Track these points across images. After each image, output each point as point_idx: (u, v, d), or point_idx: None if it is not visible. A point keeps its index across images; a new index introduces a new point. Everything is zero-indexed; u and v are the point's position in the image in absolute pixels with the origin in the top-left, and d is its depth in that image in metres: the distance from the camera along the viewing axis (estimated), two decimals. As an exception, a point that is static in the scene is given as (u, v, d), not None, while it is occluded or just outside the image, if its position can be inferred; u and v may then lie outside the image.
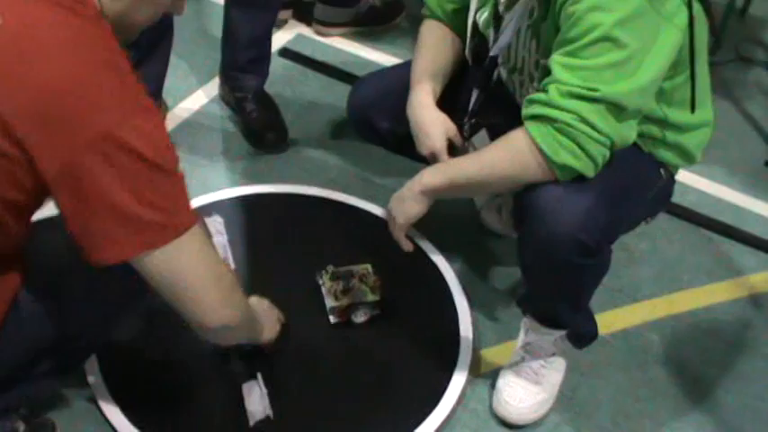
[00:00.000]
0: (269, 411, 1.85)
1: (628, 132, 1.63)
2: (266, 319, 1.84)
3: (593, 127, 1.57)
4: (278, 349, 1.90)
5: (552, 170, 1.61)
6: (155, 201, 1.33)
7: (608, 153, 1.61)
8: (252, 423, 1.83)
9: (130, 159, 1.29)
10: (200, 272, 1.42)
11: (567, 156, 1.59)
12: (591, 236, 1.60)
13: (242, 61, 2.59)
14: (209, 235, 1.68)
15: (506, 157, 1.69)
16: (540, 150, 1.60)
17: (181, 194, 1.39)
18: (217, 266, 1.47)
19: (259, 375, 1.89)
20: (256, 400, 1.86)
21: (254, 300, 1.84)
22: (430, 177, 1.80)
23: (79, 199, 1.30)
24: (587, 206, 1.60)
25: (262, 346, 1.86)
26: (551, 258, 1.64)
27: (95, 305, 1.58)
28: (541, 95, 1.61)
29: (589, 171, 1.61)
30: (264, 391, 1.87)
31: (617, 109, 1.58)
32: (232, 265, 2.14)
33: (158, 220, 1.34)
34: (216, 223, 2.25)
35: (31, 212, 1.44)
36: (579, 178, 1.62)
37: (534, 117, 1.62)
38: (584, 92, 1.56)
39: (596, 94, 1.55)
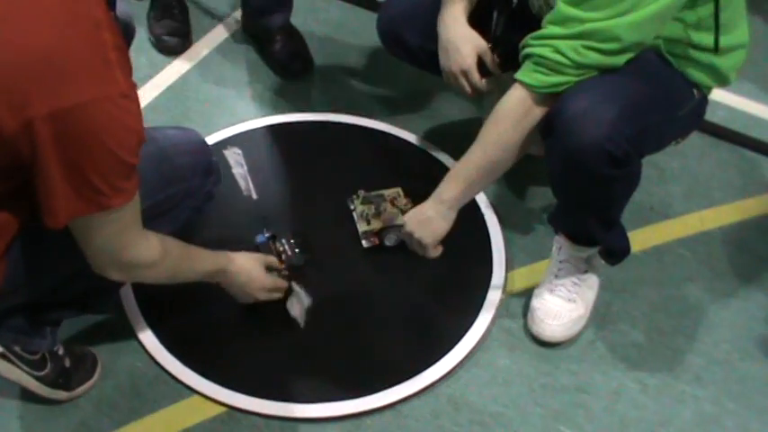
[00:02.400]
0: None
1: (613, 63, 1.64)
2: (237, 286, 1.82)
3: (568, 57, 1.61)
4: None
5: (544, 98, 1.66)
6: (96, 183, 1.33)
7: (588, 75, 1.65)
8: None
9: (87, 141, 1.28)
10: (105, 241, 1.44)
11: (542, 77, 1.65)
12: (618, 146, 1.59)
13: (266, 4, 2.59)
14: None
15: (505, 126, 1.72)
16: (526, 87, 1.67)
17: (126, 181, 1.38)
18: (126, 240, 1.48)
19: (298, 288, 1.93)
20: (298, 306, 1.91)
21: (239, 273, 1.81)
22: (448, 191, 1.80)
23: (35, 159, 1.29)
24: (613, 117, 1.59)
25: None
26: (579, 169, 1.64)
27: None
28: (535, 33, 1.66)
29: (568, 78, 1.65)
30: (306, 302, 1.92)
31: (607, 43, 1.59)
32: (254, 196, 2.15)
33: (104, 197, 1.35)
34: (234, 155, 2.26)
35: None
36: (600, 91, 1.62)
37: (525, 57, 1.68)
38: (572, 25, 1.59)
39: (583, 28, 1.58)
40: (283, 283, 1.91)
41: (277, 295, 1.90)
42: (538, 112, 1.70)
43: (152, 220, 1.55)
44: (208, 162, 1.76)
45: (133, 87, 1.34)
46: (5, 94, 1.24)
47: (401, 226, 2.02)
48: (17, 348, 1.68)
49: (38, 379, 1.73)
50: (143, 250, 1.51)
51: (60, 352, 1.77)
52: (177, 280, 1.67)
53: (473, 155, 1.77)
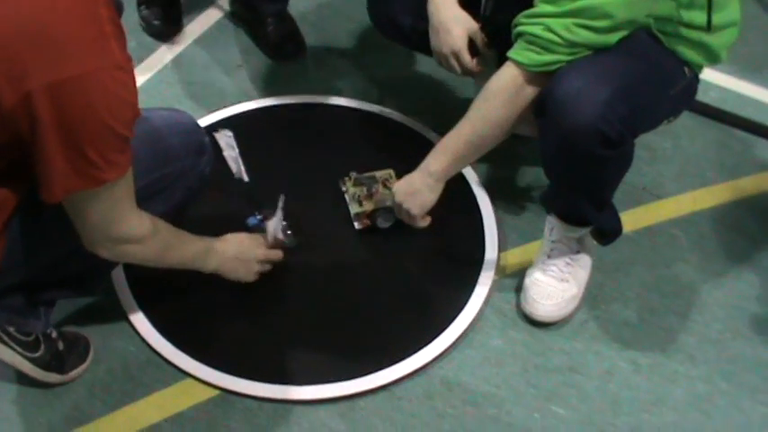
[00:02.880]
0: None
1: (605, 41, 1.64)
2: (226, 264, 1.83)
3: (559, 35, 1.62)
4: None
5: (535, 77, 1.68)
6: (91, 156, 1.33)
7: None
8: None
9: (84, 113, 1.29)
10: (99, 215, 1.45)
11: (534, 56, 1.66)
12: (612, 126, 1.59)
13: None
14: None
15: (495, 102, 1.74)
16: (518, 65, 1.68)
17: (120, 155, 1.38)
18: (119, 214, 1.49)
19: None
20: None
21: (229, 245, 1.83)
22: (436, 163, 1.86)
23: (33, 133, 1.29)
24: (607, 97, 1.59)
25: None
26: (573, 150, 1.64)
27: None
28: (527, 11, 1.67)
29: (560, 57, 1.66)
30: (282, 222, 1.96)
31: (599, 20, 1.59)
32: (245, 178, 2.15)
33: (99, 171, 1.35)
34: (226, 137, 2.25)
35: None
36: (593, 71, 1.62)
37: (517, 36, 1.69)
38: (564, 3, 1.59)
39: (574, 5, 1.58)
40: (277, 254, 1.92)
41: (269, 266, 1.92)
42: (529, 91, 1.70)
43: (146, 200, 1.56)
44: (200, 142, 1.76)
45: (129, 60, 1.34)
46: (4, 63, 1.24)
47: (393, 208, 2.03)
48: (11, 329, 1.69)
49: (31, 361, 1.73)
50: (135, 225, 1.52)
51: (53, 335, 1.77)
52: (165, 261, 1.68)
53: (462, 129, 1.81)
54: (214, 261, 1.79)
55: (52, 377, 1.76)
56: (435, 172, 1.86)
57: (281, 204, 1.96)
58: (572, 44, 1.62)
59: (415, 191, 1.90)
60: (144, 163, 1.51)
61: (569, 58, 1.65)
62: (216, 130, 2.24)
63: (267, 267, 1.92)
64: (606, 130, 1.59)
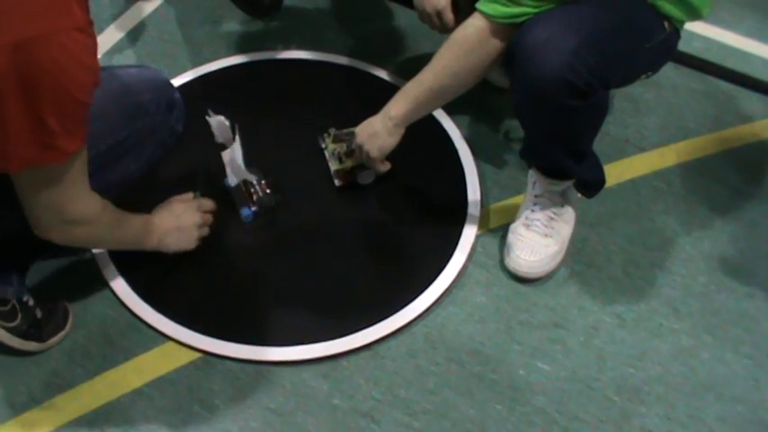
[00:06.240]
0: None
1: None
2: (167, 237, 1.81)
3: None
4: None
5: (501, 29, 1.67)
6: (50, 123, 1.30)
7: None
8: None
9: (43, 75, 1.25)
10: (52, 196, 1.44)
11: (501, 7, 1.64)
12: (579, 76, 1.57)
13: None
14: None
15: (459, 52, 1.74)
16: (485, 16, 1.67)
17: (78, 125, 1.36)
18: (73, 193, 1.47)
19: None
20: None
21: (164, 215, 1.82)
22: (396, 108, 1.86)
23: None
24: (574, 46, 1.56)
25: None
26: (541, 101, 1.62)
27: None
28: None
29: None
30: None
31: None
32: (237, 139, 2.09)
33: (58, 139, 1.33)
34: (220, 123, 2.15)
35: None
36: (562, 21, 1.59)
37: None
38: None
39: None
40: (209, 204, 1.91)
41: (207, 231, 1.90)
42: (494, 43, 1.69)
43: (118, 159, 1.56)
44: (170, 97, 1.74)
45: (90, 23, 1.31)
46: None
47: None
48: None
49: (9, 330, 1.70)
50: (87, 205, 1.51)
51: (30, 303, 1.74)
52: (113, 240, 1.70)
53: (424, 76, 1.81)
54: (155, 237, 1.78)
55: (31, 345, 1.74)
56: (395, 116, 1.86)
57: (237, 133, 1.92)
58: None
59: (375, 133, 1.90)
60: (114, 119, 1.50)
61: (535, 10, 1.63)
62: (209, 115, 2.03)
63: (206, 232, 1.89)
64: (573, 79, 1.56)
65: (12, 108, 1.26)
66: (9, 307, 1.69)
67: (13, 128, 1.29)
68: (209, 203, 1.91)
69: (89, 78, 1.32)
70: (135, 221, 1.74)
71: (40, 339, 1.75)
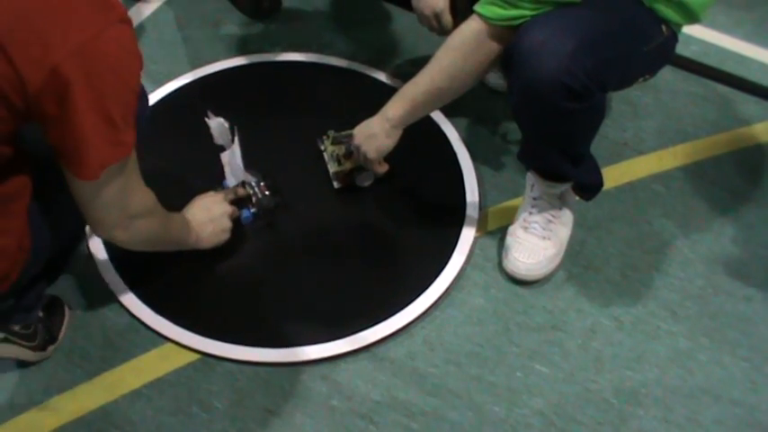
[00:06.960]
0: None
1: None
2: (203, 231, 1.82)
3: None
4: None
5: (499, 32, 1.67)
6: (116, 119, 1.32)
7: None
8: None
9: (106, 71, 1.28)
10: (117, 191, 1.44)
11: (498, 10, 1.64)
12: (576, 78, 1.57)
13: None
14: None
15: (456, 54, 1.73)
16: (482, 19, 1.66)
17: (133, 116, 1.38)
18: (133, 185, 1.49)
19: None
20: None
21: (195, 211, 1.83)
22: (394, 109, 1.85)
23: (63, 109, 1.27)
24: (571, 49, 1.57)
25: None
26: (538, 103, 1.63)
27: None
28: None
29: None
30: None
31: None
32: (236, 141, 2.10)
33: (123, 133, 1.36)
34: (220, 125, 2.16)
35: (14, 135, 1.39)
36: (559, 23, 1.59)
37: None
38: None
39: None
40: (231, 194, 1.93)
41: (230, 223, 1.90)
42: (492, 46, 1.69)
43: None
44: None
45: (127, 11, 1.33)
46: (22, 48, 1.21)
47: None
48: (17, 327, 1.69)
49: (33, 349, 1.73)
50: (146, 194, 1.54)
51: (41, 314, 1.76)
52: (164, 235, 1.68)
53: (421, 78, 1.81)
54: (193, 232, 1.78)
55: (50, 351, 1.76)
56: (392, 118, 1.86)
57: (236, 134, 1.93)
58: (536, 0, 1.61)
59: (372, 134, 1.90)
60: None
61: (533, 13, 1.63)
62: (209, 117, 2.04)
63: (229, 225, 1.90)
64: (570, 82, 1.57)
65: (86, 113, 1.28)
66: (31, 330, 1.72)
67: (89, 133, 1.30)
68: (230, 193, 1.93)
69: (139, 65, 1.35)
70: (176, 216, 1.75)
71: (55, 339, 1.77)
